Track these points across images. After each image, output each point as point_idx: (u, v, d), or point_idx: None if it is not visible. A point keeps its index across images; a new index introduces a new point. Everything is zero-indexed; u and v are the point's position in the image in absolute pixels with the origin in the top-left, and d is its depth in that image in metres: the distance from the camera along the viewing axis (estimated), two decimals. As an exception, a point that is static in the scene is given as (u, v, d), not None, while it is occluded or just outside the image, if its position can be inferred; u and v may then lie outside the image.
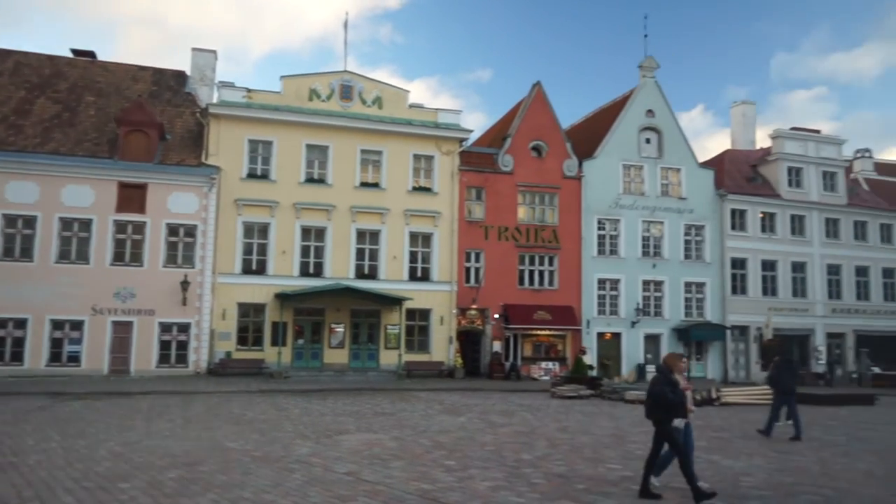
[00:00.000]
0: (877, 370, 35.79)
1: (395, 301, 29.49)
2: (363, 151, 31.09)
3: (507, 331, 32.00)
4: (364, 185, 30.92)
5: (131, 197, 27.57)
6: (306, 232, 30.10)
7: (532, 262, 32.93)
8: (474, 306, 31.54)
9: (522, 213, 33.12)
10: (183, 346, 27.83)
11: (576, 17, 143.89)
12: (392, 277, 30.59)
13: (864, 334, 37.83)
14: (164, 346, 27.58)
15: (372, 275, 30.53)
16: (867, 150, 46.38)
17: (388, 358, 30.01)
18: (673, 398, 8.03)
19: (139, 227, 27.62)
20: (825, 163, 38.46)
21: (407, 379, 28.68)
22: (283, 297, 28.14)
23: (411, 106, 32.11)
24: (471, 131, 33.26)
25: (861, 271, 38.52)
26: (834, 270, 37.96)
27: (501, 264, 32.17)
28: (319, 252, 30.18)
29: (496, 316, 31.77)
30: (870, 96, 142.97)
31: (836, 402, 22.67)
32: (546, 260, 33.09)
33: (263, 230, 29.49)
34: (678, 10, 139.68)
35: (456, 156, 32.25)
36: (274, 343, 28.43)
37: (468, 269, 32.09)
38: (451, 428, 13.83)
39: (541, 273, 33.01)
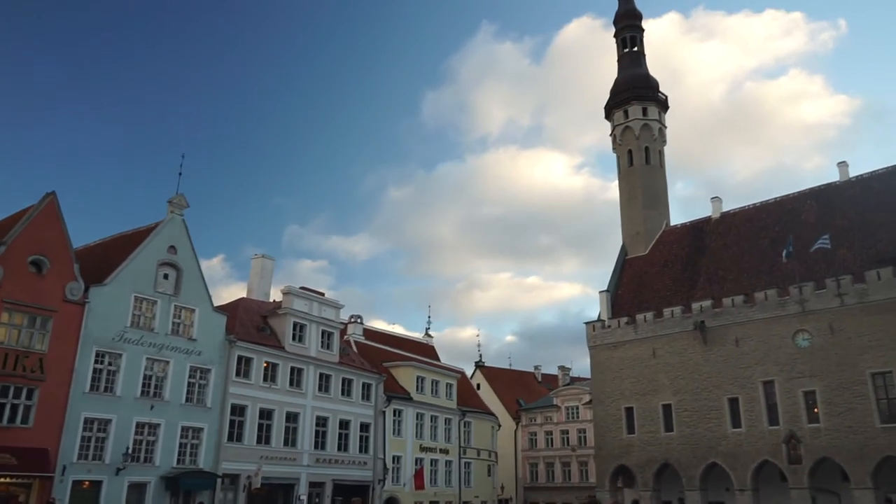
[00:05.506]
0: (347, 518, 39.15)
1: None
2: None
3: (-49, 478, 25.81)
4: None
5: None
6: None
7: (5, 395, 27.80)
8: None
9: (3, 334, 28.27)
10: None
11: (106, 137, 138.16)
12: None
13: (340, 483, 41.31)
14: None
15: None
16: (359, 317, 53.50)
17: None
18: None
19: None
20: (325, 322, 42.78)
21: None
22: None
23: None
24: (-47, 230, 27.89)
25: (344, 424, 42.70)
26: (322, 422, 41.26)
27: (-39, 394, 26.42)
28: None
29: (-60, 458, 25.49)
30: (360, 275, 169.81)
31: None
32: (24, 393, 28.35)
33: None
34: (213, 161, 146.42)
35: (-75, 255, 26.40)
36: None
37: (-89, 397, 25.48)
38: None
39: (14, 408, 27.99)
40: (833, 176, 48.57)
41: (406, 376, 49.36)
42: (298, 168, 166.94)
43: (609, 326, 48.89)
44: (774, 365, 40.59)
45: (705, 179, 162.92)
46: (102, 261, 33.94)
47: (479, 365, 75.35)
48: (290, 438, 39.15)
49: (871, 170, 46.03)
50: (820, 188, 47.69)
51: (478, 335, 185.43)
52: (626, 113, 57.57)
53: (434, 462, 49.94)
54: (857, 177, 46.32)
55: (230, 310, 39.08)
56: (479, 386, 68.78)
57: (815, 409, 38.65)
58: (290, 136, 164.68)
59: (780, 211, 48.12)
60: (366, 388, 44.80)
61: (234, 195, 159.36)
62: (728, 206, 52.24)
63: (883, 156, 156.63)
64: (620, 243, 55.66)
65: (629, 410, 46.35)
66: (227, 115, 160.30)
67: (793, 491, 38.39)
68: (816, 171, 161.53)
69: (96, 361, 30.97)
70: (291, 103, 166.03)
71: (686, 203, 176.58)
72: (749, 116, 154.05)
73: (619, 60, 61.45)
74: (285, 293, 41.89)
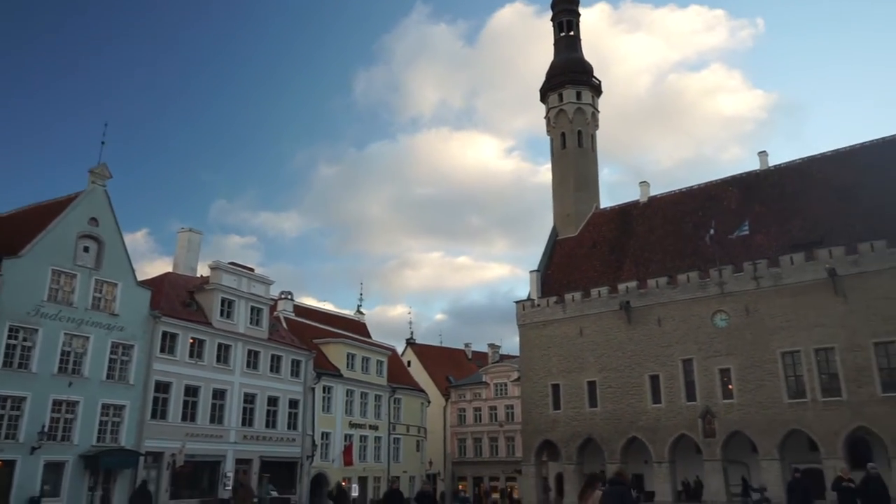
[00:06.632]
0: (275, 493, 38.84)
1: None
2: None
3: None
4: None
5: None
6: None
7: None
8: None
9: None
10: None
11: (21, 102, 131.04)
12: None
13: (267, 460, 40.94)
14: None
15: None
16: (289, 293, 52.77)
17: None
18: None
19: None
20: (255, 299, 42.05)
21: None
22: None
23: None
24: None
25: (272, 401, 42.24)
26: (250, 399, 40.70)
27: None
28: None
29: None
30: (290, 252, 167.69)
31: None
32: (-70, 369, 26.97)
33: None
34: (138, 131, 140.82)
35: None
36: None
37: None
38: None
39: (-82, 384, 26.64)
40: (749, 166, 50.63)
41: (336, 353, 49.13)
42: (226, 143, 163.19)
43: (538, 305, 49.86)
44: (694, 343, 42.33)
45: (630, 166, 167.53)
46: (17, 232, 32.34)
47: (410, 342, 75.66)
48: (217, 415, 38.48)
49: (785, 160, 48.33)
50: (741, 176, 49.65)
51: (409, 313, 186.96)
52: (560, 96, 58.29)
53: (363, 438, 50.06)
54: (775, 166, 48.43)
55: (155, 284, 37.94)
56: (409, 363, 69.09)
57: (730, 386, 40.58)
58: (218, 110, 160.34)
59: (704, 197, 49.88)
60: (295, 364, 44.39)
61: (160, 167, 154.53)
62: (651, 192, 53.70)
63: (794, 148, 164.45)
64: (549, 227, 56.64)
65: (556, 387, 47.55)
66: (154, 86, 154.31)
67: (706, 463, 40.35)
68: (734, 162, 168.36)
69: (10, 337, 29.58)
70: (220, 77, 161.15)
71: (612, 188, 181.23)
72: (672, 107, 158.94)
73: (555, 44, 62.00)
74: (213, 268, 40.91)
